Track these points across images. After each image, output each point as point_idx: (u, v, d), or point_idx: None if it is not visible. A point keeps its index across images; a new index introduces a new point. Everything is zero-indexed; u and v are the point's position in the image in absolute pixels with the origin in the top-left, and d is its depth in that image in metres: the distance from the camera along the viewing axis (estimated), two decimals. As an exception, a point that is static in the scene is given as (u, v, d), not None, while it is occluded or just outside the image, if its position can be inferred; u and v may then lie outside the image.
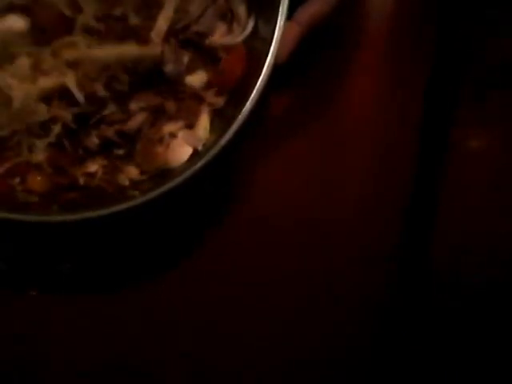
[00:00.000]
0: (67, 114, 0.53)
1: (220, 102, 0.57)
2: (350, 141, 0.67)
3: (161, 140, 0.56)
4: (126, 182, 0.57)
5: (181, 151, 0.57)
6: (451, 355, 0.65)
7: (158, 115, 0.56)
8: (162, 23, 0.53)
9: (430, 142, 0.67)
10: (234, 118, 0.53)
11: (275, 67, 0.52)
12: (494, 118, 0.67)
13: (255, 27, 0.56)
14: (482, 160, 0.67)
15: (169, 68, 0.55)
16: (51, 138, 0.53)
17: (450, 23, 0.67)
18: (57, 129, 0.53)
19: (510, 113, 0.67)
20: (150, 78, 0.55)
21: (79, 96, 0.52)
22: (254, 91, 0.52)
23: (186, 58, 0.55)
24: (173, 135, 0.57)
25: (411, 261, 0.67)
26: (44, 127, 0.54)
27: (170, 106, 0.56)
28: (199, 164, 0.53)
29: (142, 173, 0.57)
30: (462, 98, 0.67)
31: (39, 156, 0.55)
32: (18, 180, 0.54)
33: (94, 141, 0.55)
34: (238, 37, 0.56)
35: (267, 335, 0.64)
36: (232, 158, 0.62)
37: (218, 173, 0.61)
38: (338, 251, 0.66)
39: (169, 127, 0.56)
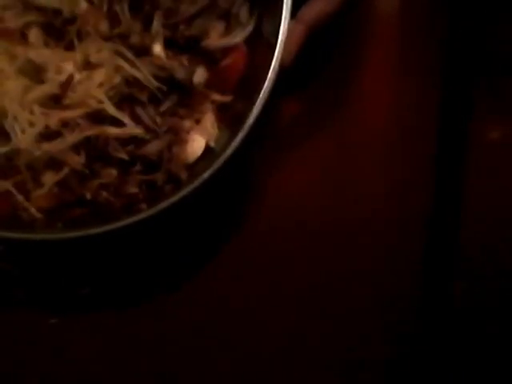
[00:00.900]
0: (78, 159, 0.52)
1: (224, 99, 0.56)
2: (364, 140, 0.65)
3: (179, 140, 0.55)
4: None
5: (194, 146, 0.56)
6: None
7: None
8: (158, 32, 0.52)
9: (448, 137, 0.65)
10: (243, 116, 0.51)
11: (282, 69, 0.51)
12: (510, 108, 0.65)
13: (258, 26, 0.55)
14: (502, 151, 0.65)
15: (180, 74, 0.54)
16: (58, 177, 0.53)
17: (463, 10, 0.65)
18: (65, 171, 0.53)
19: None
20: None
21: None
22: (263, 90, 0.51)
23: (185, 61, 0.54)
24: (187, 131, 0.56)
25: (436, 258, 0.64)
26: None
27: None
28: (215, 166, 0.51)
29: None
30: (478, 89, 0.64)
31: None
32: (21, 198, 0.53)
33: (112, 173, 0.54)
34: (237, 37, 0.55)
35: (280, 348, 0.63)
36: (243, 161, 0.60)
37: (229, 177, 0.58)
38: (354, 251, 0.64)
39: (185, 124, 0.55)
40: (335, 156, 0.64)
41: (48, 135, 0.52)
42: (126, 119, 0.53)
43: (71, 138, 0.52)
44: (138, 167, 0.54)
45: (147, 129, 0.54)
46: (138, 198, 0.55)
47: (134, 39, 0.53)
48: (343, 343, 0.64)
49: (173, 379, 0.63)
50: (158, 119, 0.54)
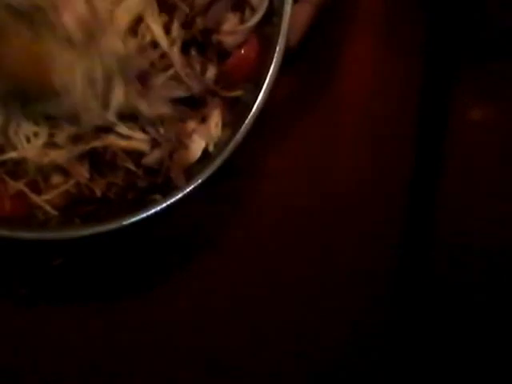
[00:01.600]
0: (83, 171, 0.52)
1: (233, 94, 0.55)
2: (348, 120, 0.66)
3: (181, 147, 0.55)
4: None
5: (194, 148, 0.55)
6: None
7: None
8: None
9: (431, 116, 0.66)
10: (249, 108, 0.51)
11: (288, 52, 0.51)
12: (494, 88, 0.66)
13: (269, 10, 0.53)
14: (484, 131, 0.66)
15: (196, 88, 0.53)
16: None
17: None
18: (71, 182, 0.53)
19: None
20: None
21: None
22: (267, 79, 0.51)
23: (197, 66, 0.53)
24: (189, 135, 0.55)
25: (414, 242, 0.66)
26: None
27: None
28: (229, 148, 0.52)
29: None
30: (462, 70, 0.65)
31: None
32: (35, 197, 0.52)
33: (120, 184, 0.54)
34: (249, 23, 0.53)
35: (267, 343, 0.64)
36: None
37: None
38: (339, 237, 0.65)
39: (190, 125, 0.55)
40: (319, 141, 0.65)
41: (54, 144, 0.52)
42: (130, 132, 0.53)
43: (77, 149, 0.52)
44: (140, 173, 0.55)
45: (151, 140, 0.53)
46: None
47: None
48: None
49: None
50: (162, 129, 0.54)
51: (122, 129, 0.52)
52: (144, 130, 0.53)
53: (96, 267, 0.62)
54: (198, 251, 0.64)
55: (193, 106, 0.55)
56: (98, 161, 0.53)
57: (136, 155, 0.54)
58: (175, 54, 0.52)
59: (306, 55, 0.62)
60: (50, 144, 0.52)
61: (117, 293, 0.64)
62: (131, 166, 0.53)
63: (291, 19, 0.49)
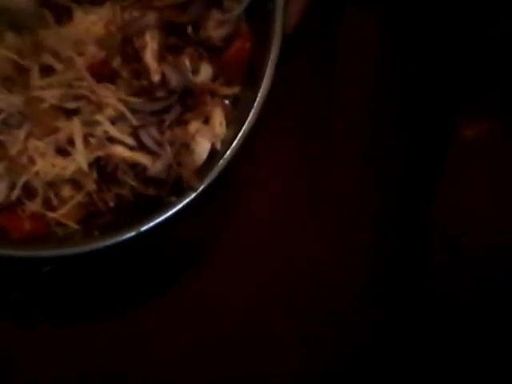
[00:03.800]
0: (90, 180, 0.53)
1: (232, 91, 0.55)
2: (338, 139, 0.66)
3: (187, 145, 0.55)
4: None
5: (200, 149, 0.55)
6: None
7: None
8: (153, 45, 0.52)
9: (427, 132, 0.66)
10: (253, 99, 0.52)
11: (285, 36, 0.51)
12: (491, 107, 0.66)
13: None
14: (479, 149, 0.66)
15: (172, 84, 0.53)
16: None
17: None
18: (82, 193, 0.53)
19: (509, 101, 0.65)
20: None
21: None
22: (268, 66, 0.51)
23: (186, 61, 0.53)
24: (192, 138, 0.55)
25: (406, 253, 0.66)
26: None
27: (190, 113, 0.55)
28: (238, 143, 0.52)
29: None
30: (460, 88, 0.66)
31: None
32: (54, 214, 0.53)
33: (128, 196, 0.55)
34: (235, 11, 0.53)
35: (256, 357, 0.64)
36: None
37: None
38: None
39: (193, 126, 0.55)
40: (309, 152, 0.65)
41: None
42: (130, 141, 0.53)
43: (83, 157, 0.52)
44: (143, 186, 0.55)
45: (152, 152, 0.54)
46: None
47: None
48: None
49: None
50: (163, 137, 0.54)
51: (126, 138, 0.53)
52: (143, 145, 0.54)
53: (92, 281, 0.63)
54: (193, 267, 0.65)
55: (192, 107, 0.55)
56: (103, 174, 0.54)
57: (141, 168, 0.54)
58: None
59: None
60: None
61: (114, 307, 0.64)
62: (130, 181, 0.53)
63: (287, 6, 0.50)
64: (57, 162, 0.52)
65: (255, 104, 0.52)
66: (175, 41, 0.53)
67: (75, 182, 0.54)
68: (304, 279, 0.65)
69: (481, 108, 0.66)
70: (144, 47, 0.52)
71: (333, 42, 0.66)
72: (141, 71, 0.52)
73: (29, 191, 0.53)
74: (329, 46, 0.66)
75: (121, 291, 0.64)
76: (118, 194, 0.54)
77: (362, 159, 0.66)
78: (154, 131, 0.53)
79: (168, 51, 0.53)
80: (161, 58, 0.53)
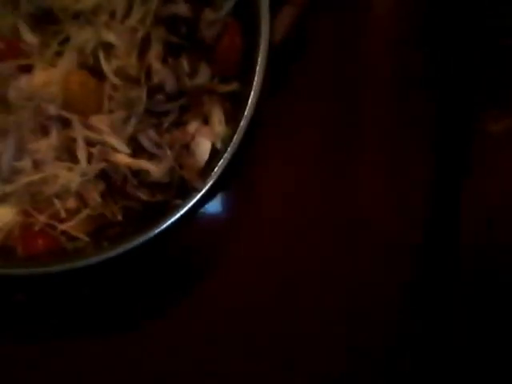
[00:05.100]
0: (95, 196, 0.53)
1: (229, 88, 0.55)
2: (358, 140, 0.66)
3: (187, 146, 0.55)
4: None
5: (201, 149, 0.56)
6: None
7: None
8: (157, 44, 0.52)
9: (452, 129, 0.66)
10: (248, 94, 0.52)
11: (272, 48, 0.52)
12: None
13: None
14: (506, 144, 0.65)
15: (169, 87, 0.53)
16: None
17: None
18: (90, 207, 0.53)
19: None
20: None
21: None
22: (259, 58, 0.52)
23: (185, 64, 0.53)
24: (192, 138, 0.55)
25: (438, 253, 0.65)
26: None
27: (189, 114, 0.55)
28: (237, 140, 0.52)
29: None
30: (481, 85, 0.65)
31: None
32: (64, 226, 0.53)
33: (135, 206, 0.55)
34: (225, 9, 0.54)
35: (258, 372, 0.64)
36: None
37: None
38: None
39: (192, 127, 0.55)
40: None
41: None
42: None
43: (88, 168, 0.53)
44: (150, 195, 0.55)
45: (153, 156, 0.54)
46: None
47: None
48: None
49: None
50: (162, 140, 0.54)
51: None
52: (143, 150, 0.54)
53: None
54: (196, 276, 0.65)
55: (190, 107, 0.55)
56: (111, 187, 0.54)
57: (144, 175, 0.54)
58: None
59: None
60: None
61: (114, 322, 0.64)
62: (139, 193, 0.54)
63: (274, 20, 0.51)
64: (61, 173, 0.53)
65: (249, 100, 0.52)
66: (176, 40, 0.54)
67: (80, 195, 0.54)
68: (312, 279, 0.65)
69: (506, 103, 0.66)
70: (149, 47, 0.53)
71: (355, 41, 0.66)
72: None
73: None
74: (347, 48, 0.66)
75: (128, 299, 0.64)
76: (126, 206, 0.55)
77: (381, 157, 0.66)
78: (153, 134, 0.53)
79: (169, 53, 0.53)
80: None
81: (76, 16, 0.53)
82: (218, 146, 0.55)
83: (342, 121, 0.65)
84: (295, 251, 0.65)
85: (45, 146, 0.52)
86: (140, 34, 0.52)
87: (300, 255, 0.65)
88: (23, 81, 0.52)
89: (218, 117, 0.56)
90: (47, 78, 0.52)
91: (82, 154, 0.52)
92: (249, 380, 0.64)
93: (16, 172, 0.53)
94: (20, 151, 0.53)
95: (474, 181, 0.64)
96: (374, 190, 0.65)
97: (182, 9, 0.52)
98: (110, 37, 0.52)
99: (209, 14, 0.53)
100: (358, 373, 0.64)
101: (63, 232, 0.54)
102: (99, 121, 0.53)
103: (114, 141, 0.53)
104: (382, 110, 0.66)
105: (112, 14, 0.53)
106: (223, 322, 0.64)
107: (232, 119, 0.55)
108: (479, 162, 0.64)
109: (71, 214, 0.54)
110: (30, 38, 0.53)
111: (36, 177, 0.52)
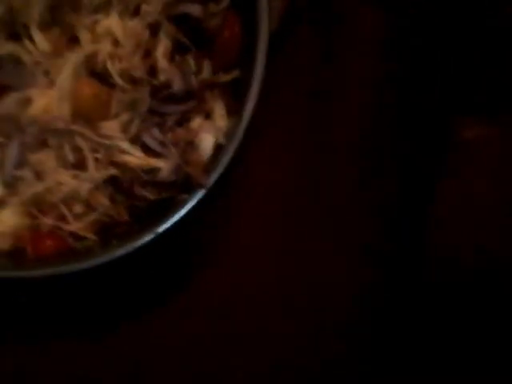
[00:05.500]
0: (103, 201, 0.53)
1: (231, 76, 0.55)
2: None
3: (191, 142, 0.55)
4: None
5: (205, 144, 0.56)
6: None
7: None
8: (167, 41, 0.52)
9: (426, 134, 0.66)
10: (249, 85, 0.52)
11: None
12: (491, 108, 0.65)
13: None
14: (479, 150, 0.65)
15: (176, 86, 0.53)
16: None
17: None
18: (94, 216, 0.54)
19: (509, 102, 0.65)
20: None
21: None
22: (259, 46, 0.52)
23: (191, 62, 0.54)
24: (196, 134, 0.55)
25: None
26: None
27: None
28: (239, 133, 0.52)
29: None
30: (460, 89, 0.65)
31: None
32: (72, 226, 0.53)
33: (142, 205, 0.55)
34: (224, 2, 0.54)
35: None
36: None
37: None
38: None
39: (195, 123, 0.55)
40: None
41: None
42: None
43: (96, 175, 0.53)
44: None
45: (158, 155, 0.54)
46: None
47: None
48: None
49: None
50: (166, 138, 0.54)
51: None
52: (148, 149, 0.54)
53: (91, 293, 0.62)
54: (194, 273, 0.64)
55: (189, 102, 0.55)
56: (119, 189, 0.54)
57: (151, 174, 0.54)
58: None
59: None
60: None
61: (115, 318, 0.63)
62: (146, 193, 0.54)
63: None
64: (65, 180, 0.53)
65: (251, 93, 0.52)
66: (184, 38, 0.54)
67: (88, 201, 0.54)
68: (308, 278, 0.65)
69: (480, 109, 0.65)
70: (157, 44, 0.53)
71: (333, 43, 0.66)
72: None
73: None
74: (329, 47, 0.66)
75: (130, 294, 0.64)
76: (131, 206, 0.55)
77: (361, 161, 0.66)
78: (157, 133, 0.53)
79: (176, 50, 0.54)
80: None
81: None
82: (222, 140, 0.55)
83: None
84: (294, 249, 0.65)
85: (46, 157, 0.53)
86: (147, 33, 0.52)
87: (299, 250, 0.65)
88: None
89: (219, 111, 0.56)
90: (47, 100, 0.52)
91: (90, 161, 0.52)
92: (249, 380, 0.64)
93: (19, 178, 0.53)
94: (22, 160, 0.53)
95: (446, 185, 0.64)
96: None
97: (195, 9, 0.53)
98: (119, 33, 0.52)
99: (212, 8, 0.53)
100: (357, 373, 0.65)
101: (71, 232, 0.54)
102: (109, 127, 0.53)
103: (125, 145, 0.53)
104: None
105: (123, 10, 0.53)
106: (222, 321, 0.64)
107: (234, 112, 0.55)
108: (452, 166, 0.65)
109: (78, 217, 0.54)
110: (42, 44, 0.52)
111: (39, 187, 0.53)
